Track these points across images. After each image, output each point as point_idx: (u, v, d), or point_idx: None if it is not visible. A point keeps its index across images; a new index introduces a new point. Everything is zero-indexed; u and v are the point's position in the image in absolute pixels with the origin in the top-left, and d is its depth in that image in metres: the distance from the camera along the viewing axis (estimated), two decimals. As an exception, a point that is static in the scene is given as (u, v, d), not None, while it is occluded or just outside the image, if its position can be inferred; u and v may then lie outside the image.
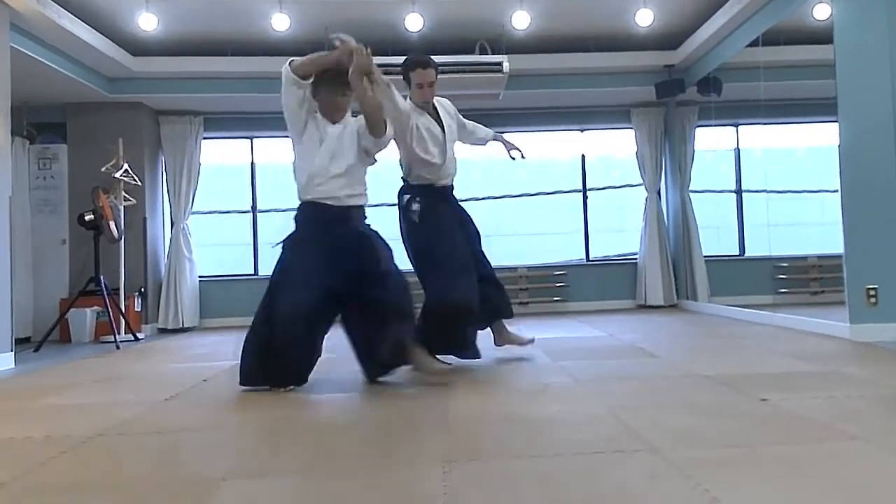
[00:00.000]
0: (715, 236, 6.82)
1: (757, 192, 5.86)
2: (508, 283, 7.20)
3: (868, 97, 4.22)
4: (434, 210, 3.51)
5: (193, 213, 6.99)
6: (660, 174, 7.32)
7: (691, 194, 6.96)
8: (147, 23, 5.30)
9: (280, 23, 5.42)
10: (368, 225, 3.26)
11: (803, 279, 5.64)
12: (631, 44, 6.36)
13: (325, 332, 3.16)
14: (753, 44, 5.28)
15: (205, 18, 5.61)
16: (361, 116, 3.16)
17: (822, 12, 4.48)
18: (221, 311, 6.99)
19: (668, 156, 7.33)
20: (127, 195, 6.19)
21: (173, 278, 6.71)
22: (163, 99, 6.57)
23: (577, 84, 6.64)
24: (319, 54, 3.12)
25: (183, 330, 6.67)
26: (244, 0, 5.29)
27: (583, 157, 7.50)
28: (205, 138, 7.00)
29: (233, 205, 7.32)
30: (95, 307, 5.94)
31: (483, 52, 6.09)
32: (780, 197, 5.64)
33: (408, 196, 3.54)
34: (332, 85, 3.15)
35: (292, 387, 3.05)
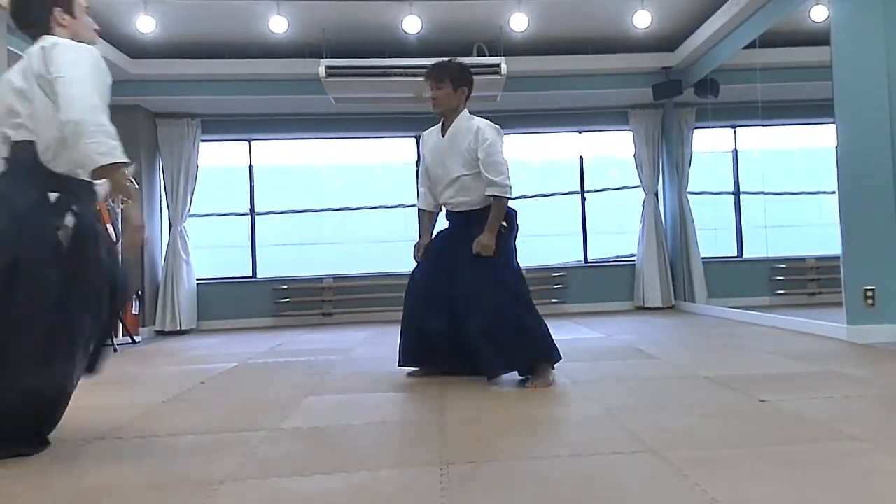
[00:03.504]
0: (713, 238, 6.83)
1: (754, 193, 5.87)
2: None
3: (865, 99, 4.23)
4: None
5: (191, 215, 6.98)
6: (658, 176, 7.33)
7: (689, 196, 6.97)
8: (145, 25, 5.30)
9: (278, 25, 5.42)
10: None
11: (801, 280, 5.65)
12: (628, 46, 6.37)
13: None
14: (751, 46, 5.29)
15: (203, 21, 5.61)
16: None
17: (819, 14, 4.49)
18: (219, 313, 6.98)
19: (665, 157, 7.33)
20: (124, 198, 6.18)
21: (171, 281, 6.70)
22: (160, 101, 6.56)
23: (574, 86, 6.66)
24: None
25: (180, 332, 6.66)
26: (242, 3, 5.29)
27: (581, 158, 7.50)
28: (202, 140, 7.00)
29: (231, 207, 7.32)
30: (93, 310, 5.93)
31: (481, 54, 6.10)
32: (777, 198, 5.65)
33: None
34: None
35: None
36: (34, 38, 2.17)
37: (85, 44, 2.17)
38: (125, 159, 2.04)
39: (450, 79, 3.30)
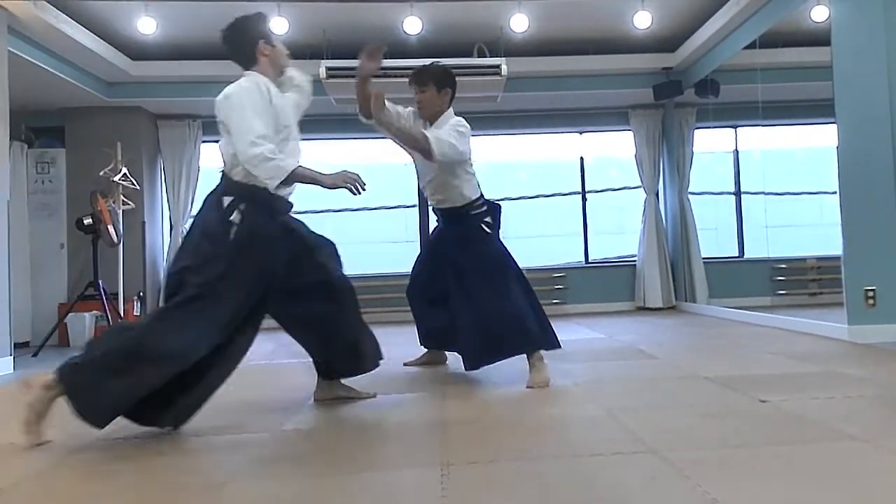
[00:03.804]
0: (713, 238, 6.83)
1: (755, 193, 5.87)
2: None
3: (865, 99, 4.23)
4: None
5: (193, 216, 6.97)
6: (658, 176, 7.33)
7: (690, 196, 6.96)
8: (146, 27, 5.31)
9: (278, 26, 5.41)
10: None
11: (802, 280, 5.65)
12: (629, 46, 6.37)
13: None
14: (751, 46, 5.29)
15: (203, 22, 5.60)
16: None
17: (819, 14, 4.49)
18: (220, 314, 6.98)
19: (666, 158, 7.33)
20: (125, 199, 6.19)
21: (172, 282, 6.70)
22: (161, 103, 6.57)
23: (575, 86, 6.66)
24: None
25: (182, 334, 6.66)
26: (243, 4, 5.29)
27: (581, 159, 7.50)
28: (204, 142, 7.01)
29: (232, 208, 7.31)
30: (94, 311, 5.94)
31: (481, 54, 6.10)
32: (778, 198, 5.65)
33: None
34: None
35: None
36: (243, 66, 2.64)
37: (250, 83, 2.52)
38: (288, 171, 2.40)
39: (433, 82, 3.38)
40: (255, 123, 2.41)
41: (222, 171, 2.57)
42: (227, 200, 2.48)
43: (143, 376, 2.27)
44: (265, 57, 2.63)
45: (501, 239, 3.45)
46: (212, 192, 2.56)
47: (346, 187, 2.50)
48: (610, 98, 6.99)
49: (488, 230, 3.38)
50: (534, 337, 3.16)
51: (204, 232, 2.48)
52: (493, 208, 3.45)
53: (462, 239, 3.36)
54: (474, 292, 3.20)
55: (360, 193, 2.52)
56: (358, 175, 2.51)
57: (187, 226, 6.84)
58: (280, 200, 2.61)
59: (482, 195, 3.45)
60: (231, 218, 2.44)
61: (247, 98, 2.46)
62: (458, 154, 3.19)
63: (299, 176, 2.45)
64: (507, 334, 3.12)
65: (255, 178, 2.45)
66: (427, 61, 5.98)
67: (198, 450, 2.24)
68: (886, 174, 4.20)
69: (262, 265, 2.50)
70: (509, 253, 3.40)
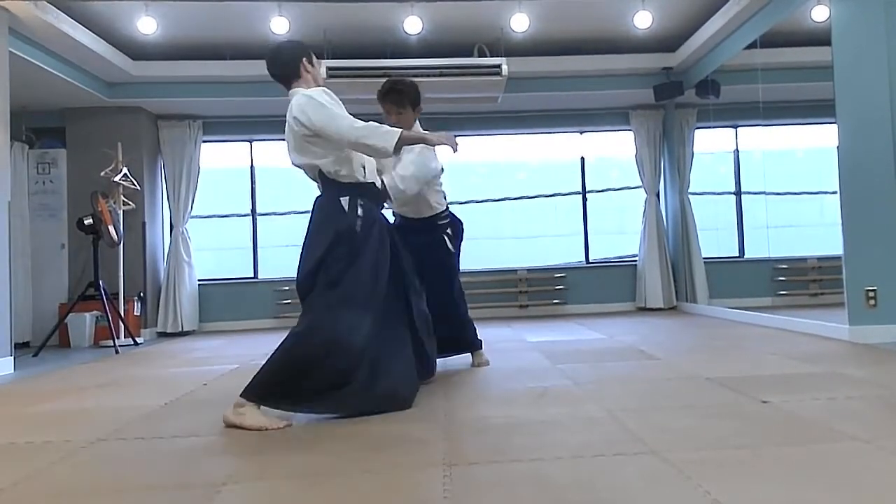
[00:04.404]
0: (714, 238, 6.83)
1: (756, 193, 5.87)
2: (508, 286, 7.27)
3: (866, 98, 4.23)
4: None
5: (193, 216, 6.99)
6: (659, 176, 7.33)
7: (690, 196, 6.96)
8: (146, 27, 5.31)
9: (279, 26, 5.42)
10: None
11: (803, 281, 5.64)
12: (629, 46, 6.37)
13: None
14: (752, 46, 5.29)
15: (204, 22, 5.61)
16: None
17: (820, 14, 4.49)
18: (221, 314, 6.99)
19: (667, 158, 7.33)
20: (126, 199, 6.19)
21: (173, 282, 6.71)
22: (162, 103, 6.57)
23: (575, 87, 6.66)
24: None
25: (182, 334, 6.67)
26: (243, 4, 5.29)
27: (582, 159, 7.50)
28: (204, 142, 7.01)
29: (232, 208, 7.33)
30: (95, 311, 5.94)
31: (482, 54, 6.10)
32: (779, 198, 5.64)
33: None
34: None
35: None
36: (286, 86, 2.86)
37: (314, 89, 2.77)
38: (398, 132, 2.65)
39: (410, 103, 3.49)
40: (344, 117, 2.67)
41: (323, 179, 2.77)
42: (345, 201, 2.73)
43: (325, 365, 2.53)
44: (307, 73, 2.88)
45: (459, 251, 3.70)
46: (323, 200, 2.78)
47: (447, 144, 2.82)
48: (610, 98, 6.99)
49: (449, 243, 3.60)
50: (469, 341, 3.75)
51: (337, 232, 2.68)
52: (456, 222, 3.68)
53: (425, 246, 3.49)
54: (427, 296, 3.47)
55: (456, 152, 2.87)
56: (454, 136, 2.86)
57: (188, 226, 6.87)
58: (380, 192, 2.94)
59: (447, 207, 3.65)
60: (359, 213, 2.72)
61: (322, 98, 2.70)
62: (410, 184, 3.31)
63: (407, 139, 2.71)
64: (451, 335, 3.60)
65: (363, 175, 2.78)
66: (428, 61, 5.99)
67: (198, 450, 2.24)
68: (887, 174, 4.20)
69: (384, 246, 2.82)
70: (458, 268, 3.71)
